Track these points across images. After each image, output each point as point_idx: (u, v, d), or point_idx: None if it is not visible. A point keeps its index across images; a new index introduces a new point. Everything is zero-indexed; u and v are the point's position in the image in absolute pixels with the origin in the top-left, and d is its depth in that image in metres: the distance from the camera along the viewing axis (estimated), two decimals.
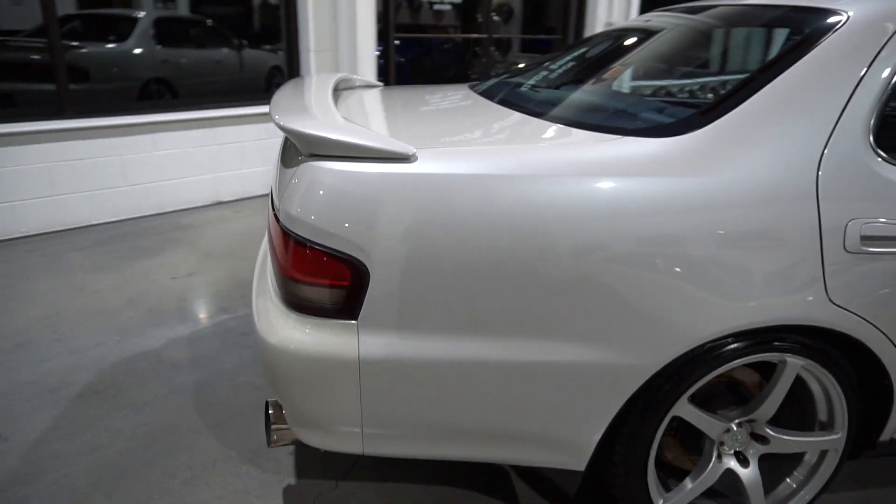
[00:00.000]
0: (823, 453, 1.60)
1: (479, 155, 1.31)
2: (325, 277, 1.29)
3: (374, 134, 1.33)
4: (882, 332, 1.42)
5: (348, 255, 1.26)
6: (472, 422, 1.38)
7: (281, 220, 1.32)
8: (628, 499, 1.52)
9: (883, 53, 1.36)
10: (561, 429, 1.40)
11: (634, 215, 1.27)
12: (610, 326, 1.31)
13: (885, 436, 1.60)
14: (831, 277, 1.35)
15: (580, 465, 1.46)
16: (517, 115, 1.68)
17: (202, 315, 2.59)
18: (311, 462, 1.78)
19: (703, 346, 1.36)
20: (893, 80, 1.37)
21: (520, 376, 1.34)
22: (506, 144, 1.38)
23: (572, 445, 1.42)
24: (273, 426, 1.50)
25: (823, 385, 1.51)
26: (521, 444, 1.42)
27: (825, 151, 1.32)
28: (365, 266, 1.27)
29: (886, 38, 1.38)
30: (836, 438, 1.55)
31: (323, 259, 1.27)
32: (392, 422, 1.39)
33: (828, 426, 1.56)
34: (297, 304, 1.33)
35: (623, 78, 1.85)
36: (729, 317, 1.31)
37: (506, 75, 2.30)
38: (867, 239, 1.35)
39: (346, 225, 1.25)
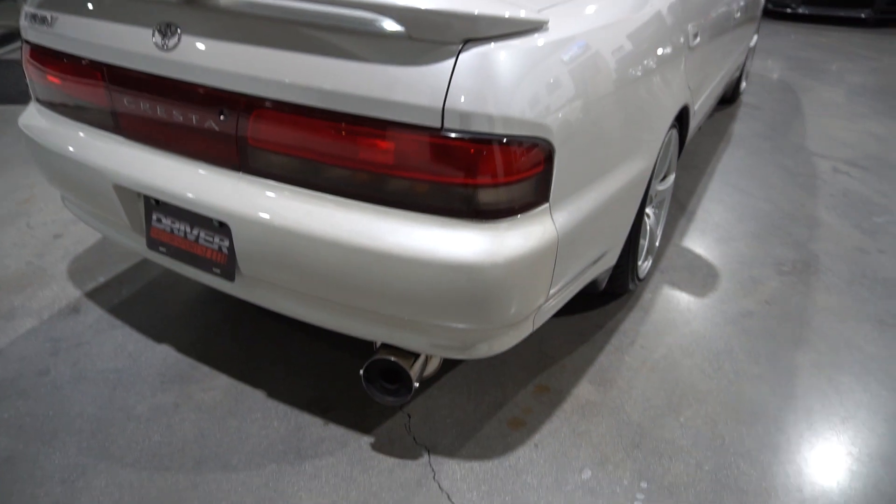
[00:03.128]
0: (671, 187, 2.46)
1: (591, 8, 1.52)
2: (523, 170, 1.25)
3: (512, 5, 1.25)
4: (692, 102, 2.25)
5: (539, 137, 1.25)
6: (601, 247, 1.69)
7: (453, 125, 1.18)
8: (626, 276, 2.07)
9: None
10: (624, 235, 1.87)
11: None
12: (644, 137, 1.75)
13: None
14: (686, 71, 2.07)
15: (613, 262, 1.91)
16: None
17: None
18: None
19: (667, 137, 1.99)
20: None
21: (627, 195, 1.73)
22: None
23: (617, 247, 1.87)
24: (411, 370, 1.48)
25: (671, 145, 2.21)
26: (607, 256, 1.80)
27: None
28: (551, 143, 1.28)
29: None
30: (673, 179, 2.41)
31: (518, 151, 1.23)
32: (564, 282, 1.53)
33: (670, 172, 2.37)
34: (485, 211, 1.26)
35: None
36: (673, 110, 1.98)
37: None
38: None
39: (532, 106, 1.23)
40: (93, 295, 2.26)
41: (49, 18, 1.64)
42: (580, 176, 1.44)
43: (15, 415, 1.75)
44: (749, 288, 2.42)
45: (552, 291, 1.48)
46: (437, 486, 1.58)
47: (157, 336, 2.06)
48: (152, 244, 1.67)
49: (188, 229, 1.58)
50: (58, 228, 2.69)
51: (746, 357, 2.05)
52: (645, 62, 1.68)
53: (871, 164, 3.62)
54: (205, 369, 1.93)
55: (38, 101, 1.83)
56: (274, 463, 1.63)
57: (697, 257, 2.62)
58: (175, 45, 1.41)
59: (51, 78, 1.71)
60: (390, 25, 1.19)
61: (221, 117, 1.40)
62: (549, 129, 1.27)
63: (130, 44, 1.48)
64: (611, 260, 1.87)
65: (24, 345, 2.01)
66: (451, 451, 1.68)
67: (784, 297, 2.38)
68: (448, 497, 1.55)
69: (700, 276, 2.48)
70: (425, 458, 1.65)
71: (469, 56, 1.18)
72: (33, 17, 1.69)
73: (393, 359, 1.48)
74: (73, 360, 1.96)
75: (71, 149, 1.67)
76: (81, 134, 1.68)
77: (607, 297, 2.32)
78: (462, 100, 1.17)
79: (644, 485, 1.60)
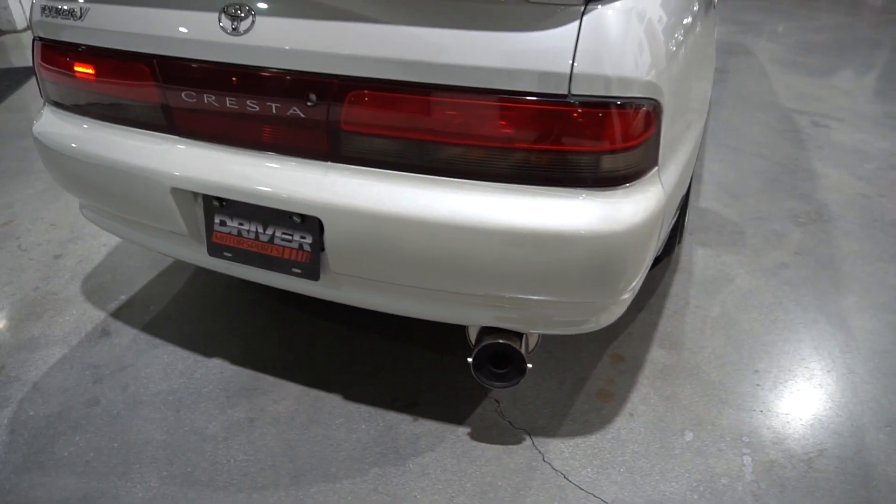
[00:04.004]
0: None
1: None
2: (639, 133, 1.21)
3: None
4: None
5: (651, 98, 1.20)
6: (678, 205, 1.70)
7: (580, 90, 1.14)
8: (675, 236, 2.11)
9: None
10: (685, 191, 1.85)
11: None
12: (707, 90, 1.86)
13: None
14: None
15: (674, 220, 1.86)
16: None
17: None
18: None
19: None
20: None
21: (695, 148, 1.75)
22: None
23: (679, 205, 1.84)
24: (525, 350, 1.45)
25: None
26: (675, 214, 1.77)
27: None
28: (660, 103, 1.24)
29: None
30: None
31: (636, 113, 1.19)
32: (660, 244, 1.55)
33: None
34: (605, 178, 1.21)
35: None
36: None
37: None
38: None
39: (646, 66, 1.19)
40: (119, 315, 2.09)
41: (78, 10, 1.48)
42: (676, 134, 1.43)
43: (76, 451, 1.60)
44: (775, 241, 2.49)
45: (654, 255, 1.47)
46: (549, 468, 1.54)
47: (205, 350, 1.93)
48: (215, 250, 1.55)
49: (260, 229, 1.47)
50: (55, 248, 2.47)
51: (796, 306, 2.11)
52: (703, 20, 1.69)
53: (845, 116, 3.79)
54: (268, 379, 1.82)
55: (58, 105, 1.65)
56: (375, 466, 1.55)
57: (718, 216, 2.68)
58: (249, 28, 1.29)
59: (80, 78, 1.55)
60: None
61: (309, 103, 1.29)
62: (660, 88, 1.24)
63: (190, 31, 1.35)
64: (674, 218, 1.87)
65: (61, 375, 1.84)
66: (551, 431, 1.64)
67: (810, 246, 2.46)
68: (564, 476, 1.52)
69: (727, 235, 2.53)
70: (528, 441, 1.62)
71: (592, 18, 1.13)
72: (53, 9, 1.52)
73: (503, 341, 1.42)
74: (122, 385, 1.80)
75: (113, 154, 1.52)
76: (125, 137, 1.53)
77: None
78: (589, 63, 1.13)
79: (746, 439, 1.62)
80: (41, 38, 1.59)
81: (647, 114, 1.22)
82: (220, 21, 1.32)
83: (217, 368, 1.86)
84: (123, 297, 2.18)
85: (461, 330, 1.70)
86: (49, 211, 2.75)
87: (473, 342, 1.53)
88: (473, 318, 1.44)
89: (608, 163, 1.21)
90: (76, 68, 1.54)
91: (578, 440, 1.62)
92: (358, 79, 1.24)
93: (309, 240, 1.43)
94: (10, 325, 2.05)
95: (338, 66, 1.25)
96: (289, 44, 1.27)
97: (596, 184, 1.22)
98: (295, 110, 1.31)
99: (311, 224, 1.40)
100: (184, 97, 1.42)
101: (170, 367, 1.87)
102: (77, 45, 1.52)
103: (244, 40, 1.30)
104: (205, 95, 1.39)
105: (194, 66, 1.37)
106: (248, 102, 1.35)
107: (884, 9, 6.85)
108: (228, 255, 1.54)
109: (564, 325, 1.43)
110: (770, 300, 2.14)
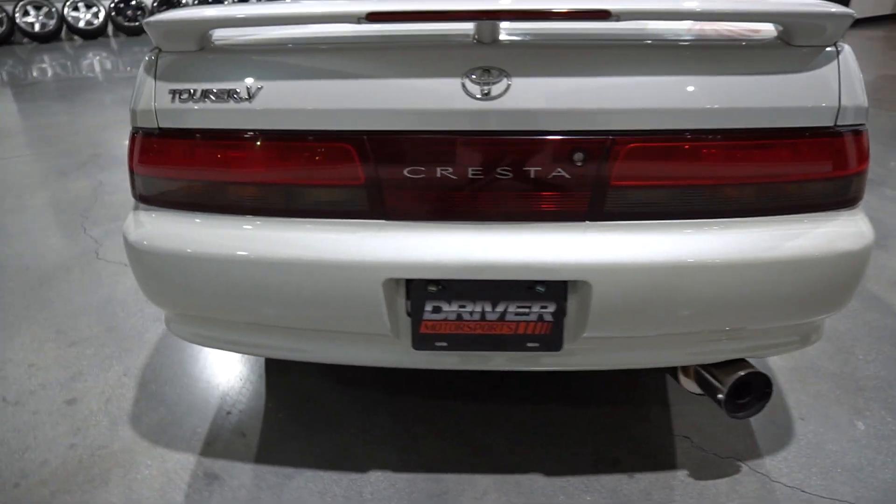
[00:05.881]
0: None
1: None
2: (868, 152, 1.31)
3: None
4: None
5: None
6: None
7: (844, 121, 1.24)
8: None
9: None
10: None
11: None
12: None
13: None
14: None
15: None
16: None
17: None
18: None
19: None
20: None
21: None
22: None
23: None
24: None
25: None
26: None
27: None
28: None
29: None
30: None
31: (867, 135, 1.29)
32: None
33: None
34: (856, 198, 1.32)
35: None
36: None
37: None
38: None
39: (865, 94, 1.25)
40: (212, 451, 1.71)
41: (245, 90, 1.24)
42: None
43: None
44: None
45: None
46: (782, 486, 1.57)
47: (353, 465, 1.66)
48: (423, 342, 1.37)
49: (488, 308, 1.34)
50: (59, 393, 1.96)
51: None
52: None
53: None
54: (449, 478, 1.62)
55: (194, 206, 1.35)
56: None
57: None
58: (503, 91, 1.19)
59: (243, 170, 1.29)
60: (769, 34, 1.20)
61: (577, 163, 1.22)
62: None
63: (424, 100, 1.21)
64: None
65: None
66: (754, 453, 1.68)
67: None
68: (801, 490, 1.56)
69: None
70: (744, 467, 1.63)
71: (844, 55, 1.25)
72: (201, 93, 1.26)
73: (752, 370, 1.44)
74: None
75: (301, 252, 1.28)
76: (312, 230, 1.30)
77: None
78: (849, 96, 1.24)
79: None
80: (167, 130, 1.30)
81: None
82: (464, 86, 1.20)
83: (384, 482, 1.61)
84: (201, 430, 1.79)
85: (585, 377, 1.69)
86: (12, 350, 2.18)
87: (690, 382, 1.52)
88: (713, 354, 1.44)
89: (859, 182, 1.32)
90: (236, 159, 1.29)
91: (783, 454, 1.67)
92: (634, 132, 1.21)
93: (551, 309, 1.33)
94: (75, 499, 1.57)
95: (611, 121, 1.21)
96: (552, 104, 1.20)
97: (851, 204, 1.32)
98: (559, 172, 1.23)
99: (555, 291, 1.31)
100: (406, 174, 1.25)
101: (326, 494, 1.57)
102: (240, 132, 1.27)
103: (498, 104, 1.20)
104: (438, 169, 1.24)
105: (426, 138, 1.23)
106: (496, 170, 1.24)
107: None
108: (442, 344, 1.37)
109: (793, 344, 1.49)
110: None
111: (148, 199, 1.39)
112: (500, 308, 1.34)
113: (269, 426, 1.80)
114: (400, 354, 1.42)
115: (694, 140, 1.22)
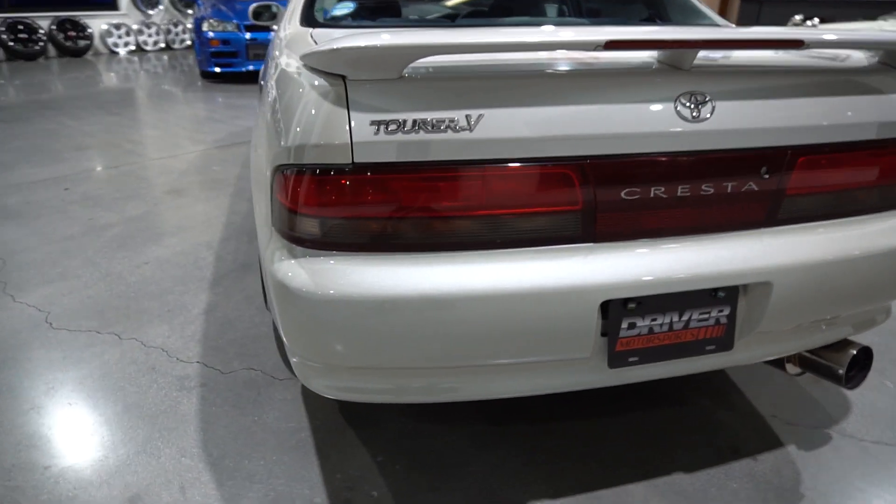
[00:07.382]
0: None
1: None
2: None
3: None
4: None
5: None
6: None
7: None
8: None
9: None
10: None
11: None
12: None
13: None
14: None
15: None
16: None
17: None
18: None
19: None
20: None
21: None
22: None
23: None
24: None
25: None
26: None
27: None
28: None
29: None
30: None
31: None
32: None
33: None
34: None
35: None
36: None
37: None
38: None
39: None
40: None
41: (462, 119, 1.17)
42: None
43: None
44: None
45: None
46: (887, 446, 1.82)
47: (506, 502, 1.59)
48: (618, 360, 1.39)
49: (675, 318, 1.40)
50: (115, 490, 1.61)
51: None
52: None
53: None
54: (606, 494, 1.62)
55: (390, 246, 1.23)
56: None
57: None
58: (710, 114, 1.27)
59: (459, 202, 1.21)
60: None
61: (765, 176, 1.34)
62: None
63: (640, 124, 1.24)
64: None
65: None
66: (840, 418, 1.92)
67: None
68: (887, 444, 1.82)
69: None
70: (836, 435, 1.86)
71: None
72: (413, 124, 1.16)
73: (860, 347, 1.66)
74: None
75: (514, 283, 1.23)
76: (521, 259, 1.26)
77: None
78: None
79: None
80: (362, 165, 1.18)
81: None
82: (676, 110, 1.26)
83: None
84: (319, 501, 1.60)
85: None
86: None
87: (794, 367, 1.73)
88: (827, 335, 1.65)
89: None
90: (449, 190, 1.20)
91: (868, 415, 1.93)
92: (809, 146, 1.36)
93: (726, 312, 1.43)
94: None
95: (792, 137, 1.34)
96: (748, 123, 1.30)
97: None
98: (750, 185, 1.34)
99: (731, 295, 1.42)
100: (622, 196, 1.27)
101: None
102: (456, 164, 1.19)
103: (705, 126, 1.27)
104: (652, 188, 1.28)
105: (644, 160, 1.26)
106: (701, 187, 1.31)
107: None
108: (634, 359, 1.40)
109: (872, 323, 1.75)
110: None
111: (322, 243, 1.24)
112: (685, 317, 1.40)
113: (390, 481, 1.66)
114: (593, 375, 1.41)
115: (848, 150, 1.41)
